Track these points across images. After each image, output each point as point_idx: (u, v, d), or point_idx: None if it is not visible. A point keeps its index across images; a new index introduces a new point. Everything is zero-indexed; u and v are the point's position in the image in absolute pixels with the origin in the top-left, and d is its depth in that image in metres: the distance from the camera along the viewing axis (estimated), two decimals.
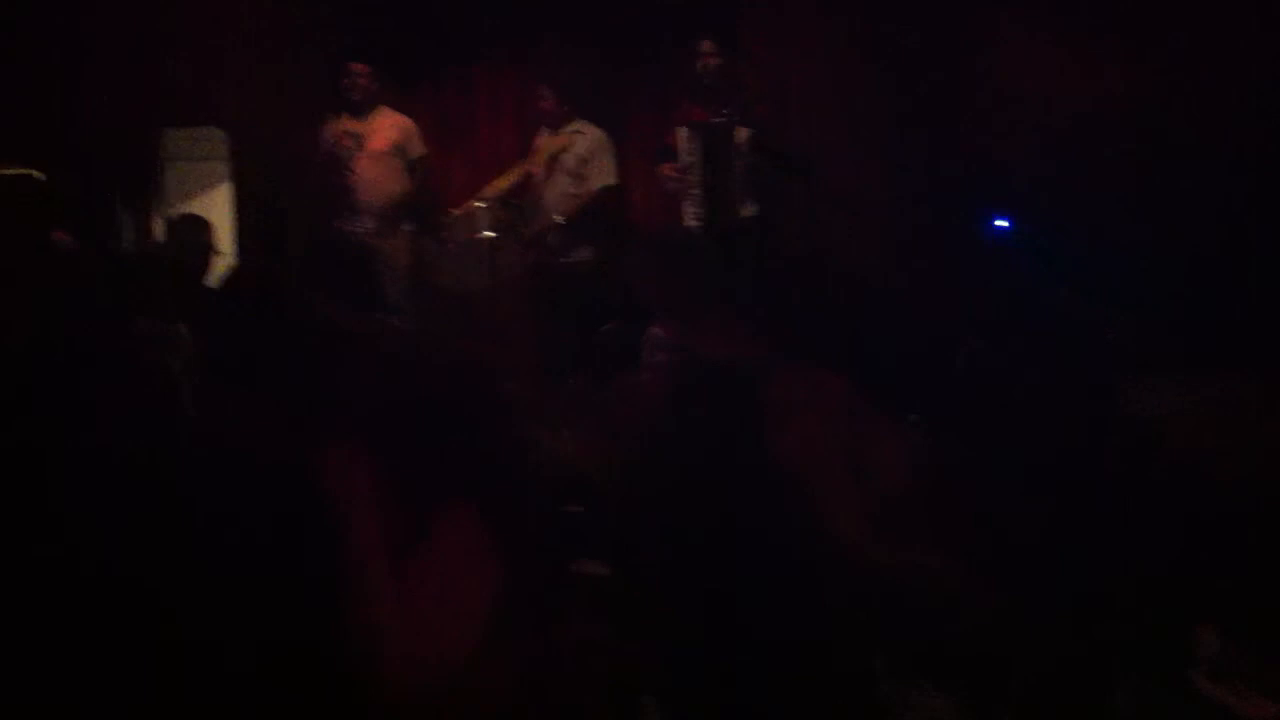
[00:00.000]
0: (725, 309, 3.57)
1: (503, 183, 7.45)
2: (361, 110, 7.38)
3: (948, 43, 7.35)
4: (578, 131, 7.33)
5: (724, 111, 6.83)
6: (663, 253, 4.01)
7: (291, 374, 2.54)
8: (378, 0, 7.97)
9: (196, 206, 7.93)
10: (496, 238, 7.16)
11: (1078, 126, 6.83)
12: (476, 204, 7.31)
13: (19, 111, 7.14)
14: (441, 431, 2.28)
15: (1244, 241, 6.47)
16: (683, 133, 6.95)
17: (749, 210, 6.83)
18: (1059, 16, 7.00)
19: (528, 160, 7.46)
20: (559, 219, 7.25)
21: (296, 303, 2.79)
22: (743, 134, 6.79)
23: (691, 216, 6.93)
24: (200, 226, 6.31)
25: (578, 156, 7.30)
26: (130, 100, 7.50)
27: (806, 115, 7.51)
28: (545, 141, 7.44)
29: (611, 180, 7.34)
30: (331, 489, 2.21)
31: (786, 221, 6.91)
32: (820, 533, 2.36)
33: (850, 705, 2.26)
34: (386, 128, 7.39)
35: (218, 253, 6.30)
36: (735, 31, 7.39)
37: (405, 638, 2.14)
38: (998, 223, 6.74)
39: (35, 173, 7.08)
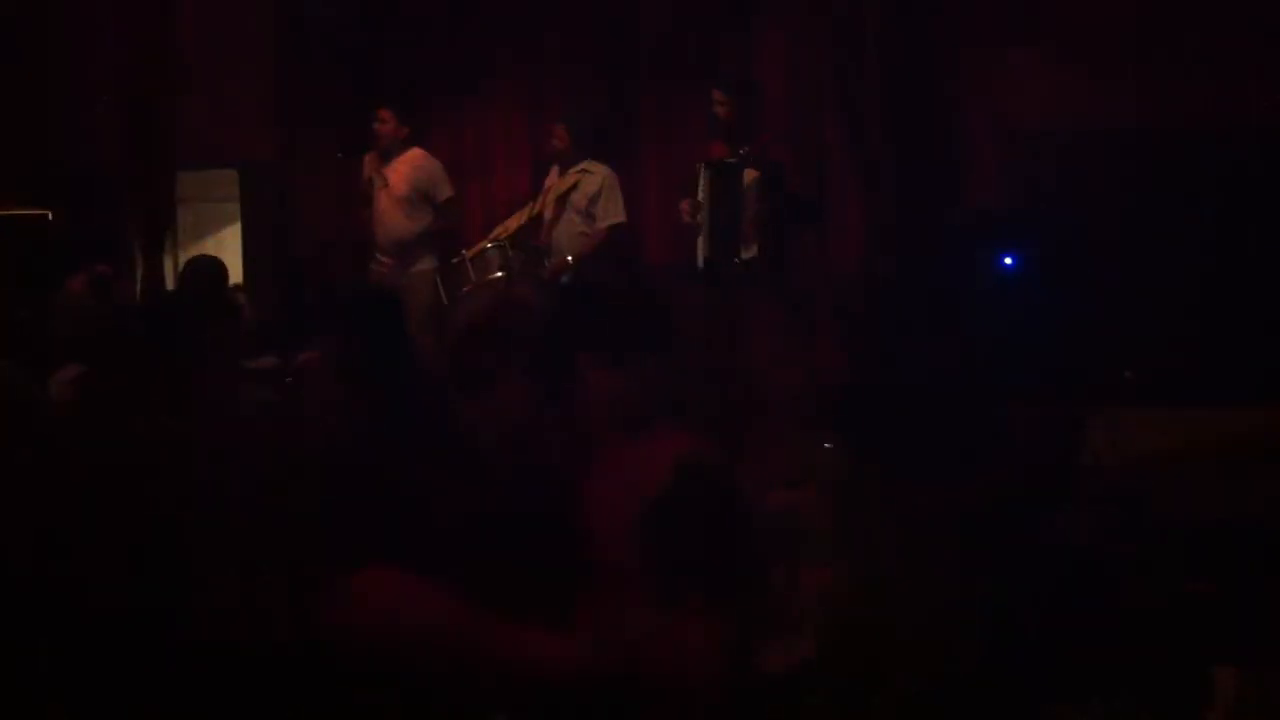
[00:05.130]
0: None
1: (513, 223, 7.47)
2: (389, 153, 7.43)
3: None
4: (585, 170, 7.35)
5: (740, 152, 6.84)
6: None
7: None
8: (392, 41, 8.04)
9: (209, 247, 8.02)
10: (507, 278, 7.16)
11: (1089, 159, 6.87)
12: (488, 245, 7.33)
13: (33, 153, 7.22)
14: None
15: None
16: (701, 169, 7.00)
17: (751, 252, 6.85)
18: (1074, 56, 7.04)
19: (538, 200, 7.48)
20: (570, 258, 7.26)
21: None
22: (751, 176, 6.82)
23: (701, 252, 6.97)
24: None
25: (586, 195, 7.32)
26: (145, 140, 7.56)
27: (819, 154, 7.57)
28: (554, 181, 7.46)
29: (620, 218, 7.35)
30: None
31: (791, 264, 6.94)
32: None
33: None
34: (410, 171, 7.43)
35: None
36: (751, 73, 7.42)
37: None
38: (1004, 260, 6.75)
39: (49, 213, 7.19)
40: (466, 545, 2.31)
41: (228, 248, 8.09)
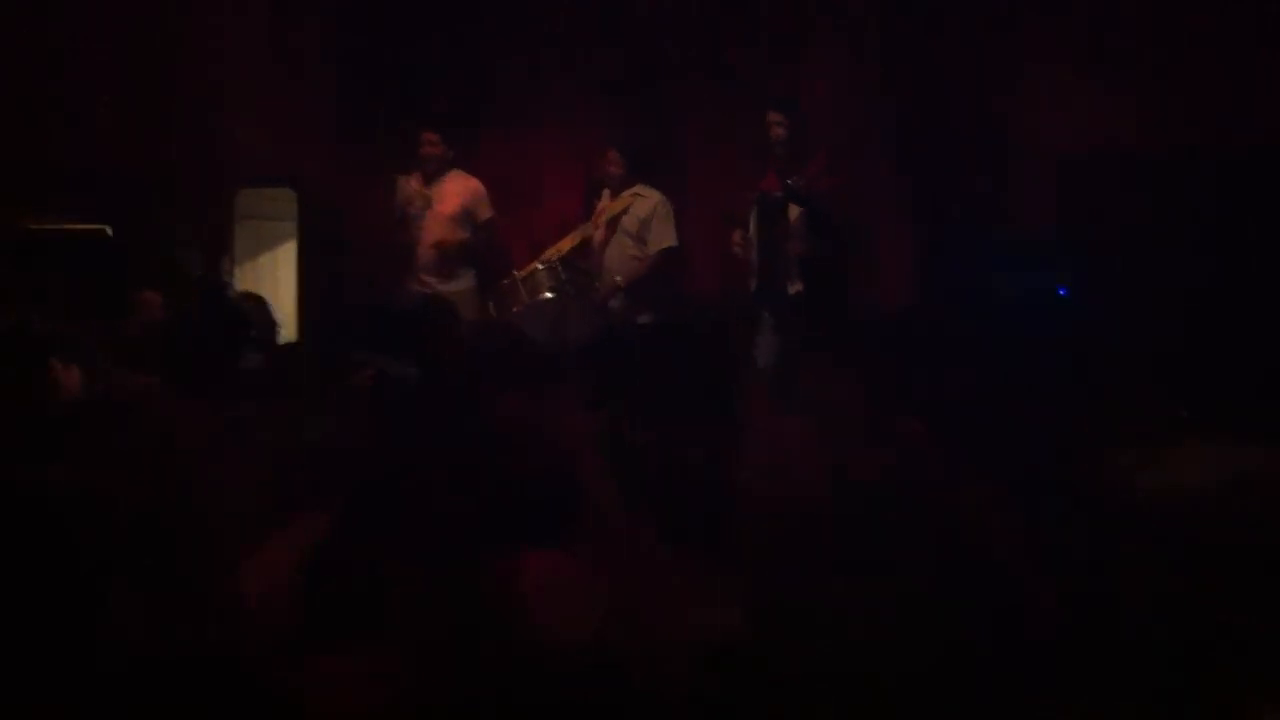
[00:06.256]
0: None
1: (565, 245, 7.52)
2: (434, 174, 7.52)
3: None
4: (638, 194, 7.40)
5: (788, 182, 6.84)
6: None
7: None
8: (443, 63, 8.11)
9: (266, 264, 8.12)
10: (558, 299, 7.21)
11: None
12: (538, 266, 7.38)
13: (92, 169, 7.32)
14: None
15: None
16: (754, 203, 7.03)
17: (796, 288, 6.87)
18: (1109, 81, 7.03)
19: (589, 223, 7.53)
20: (620, 281, 7.30)
21: None
22: (795, 212, 6.84)
23: (752, 286, 7.01)
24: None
25: (638, 219, 7.37)
26: (203, 159, 7.66)
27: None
28: (606, 204, 7.51)
29: (672, 242, 7.39)
30: None
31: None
32: None
33: None
34: (456, 192, 7.52)
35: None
36: (800, 101, 7.41)
37: None
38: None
39: (107, 228, 7.28)
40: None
41: (284, 265, 8.19)
